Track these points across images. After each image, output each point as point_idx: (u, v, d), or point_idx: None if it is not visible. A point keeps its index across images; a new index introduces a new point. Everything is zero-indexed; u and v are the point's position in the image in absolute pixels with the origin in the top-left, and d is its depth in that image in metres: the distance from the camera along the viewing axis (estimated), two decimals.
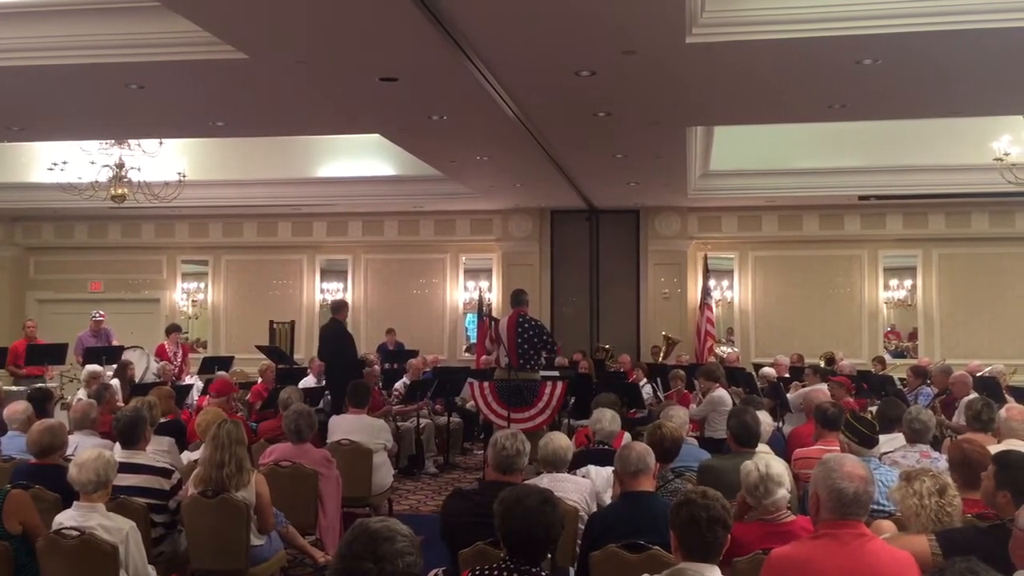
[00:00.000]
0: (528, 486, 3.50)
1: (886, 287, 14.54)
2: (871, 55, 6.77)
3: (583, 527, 4.33)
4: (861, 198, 13.42)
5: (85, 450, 4.53)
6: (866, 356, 13.53)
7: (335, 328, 10.48)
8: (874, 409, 7.14)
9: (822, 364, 11.62)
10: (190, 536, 4.90)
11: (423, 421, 10.28)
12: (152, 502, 4.94)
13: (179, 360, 12.22)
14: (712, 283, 14.66)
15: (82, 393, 8.63)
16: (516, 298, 9.38)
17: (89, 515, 4.13)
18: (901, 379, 10.87)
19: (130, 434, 5.18)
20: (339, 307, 10.70)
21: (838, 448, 5.31)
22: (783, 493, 3.71)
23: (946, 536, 3.38)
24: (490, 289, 15.34)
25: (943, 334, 14.14)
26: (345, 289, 15.72)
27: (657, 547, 3.59)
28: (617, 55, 6.66)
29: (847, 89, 7.76)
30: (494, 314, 14.04)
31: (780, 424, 8.32)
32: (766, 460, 3.85)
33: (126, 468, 4.90)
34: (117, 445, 5.27)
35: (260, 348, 12.80)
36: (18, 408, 6.21)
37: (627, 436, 6.11)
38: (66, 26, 6.95)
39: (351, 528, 2.14)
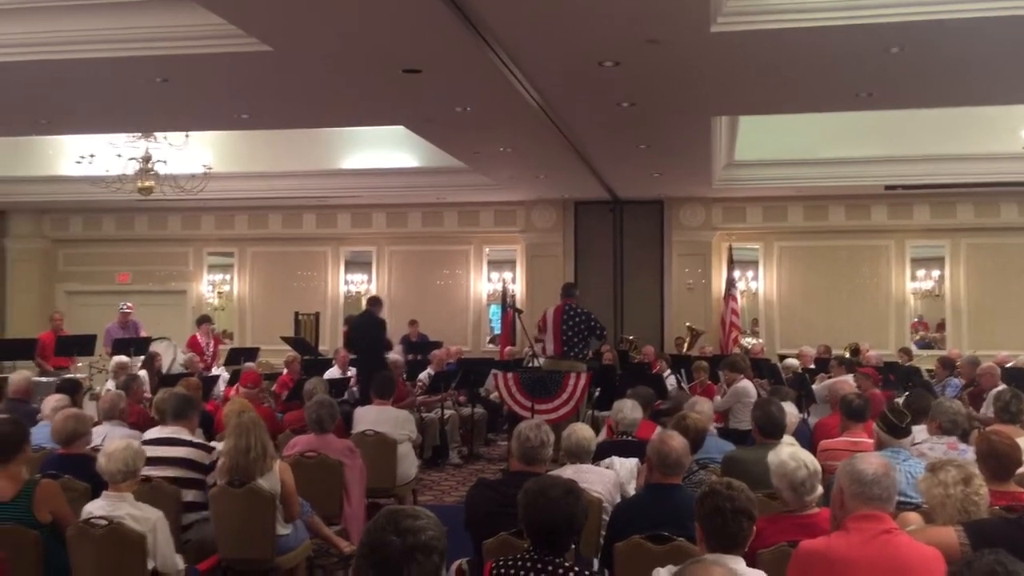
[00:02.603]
0: (552, 477, 3.51)
1: (913, 277, 14.38)
2: (899, 43, 6.69)
3: (607, 518, 4.33)
4: (888, 188, 13.27)
5: (114, 440, 4.58)
6: (893, 347, 13.40)
7: (369, 319, 10.52)
8: (901, 401, 7.08)
9: (847, 355, 11.53)
10: (217, 525, 4.95)
11: (447, 412, 10.32)
12: (192, 476, 5.13)
13: (211, 351, 12.31)
14: (737, 274, 14.57)
15: (110, 384, 8.72)
16: (565, 290, 9.70)
17: (118, 505, 4.18)
18: (928, 370, 10.78)
19: (182, 409, 5.47)
20: (376, 302, 10.79)
21: (865, 439, 5.28)
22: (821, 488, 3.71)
23: (974, 527, 3.35)
24: (514, 280, 15.34)
25: (971, 325, 13.98)
26: (369, 281, 15.79)
27: (682, 538, 3.58)
28: (641, 44, 6.63)
29: (874, 77, 7.68)
30: (518, 306, 14.09)
31: (806, 415, 8.27)
32: (799, 452, 3.81)
33: (173, 442, 5.20)
34: (155, 429, 5.49)
35: (285, 339, 12.88)
36: (54, 399, 6.30)
37: (657, 428, 6.09)
38: (92, 20, 7.01)
39: (377, 512, 2.17)
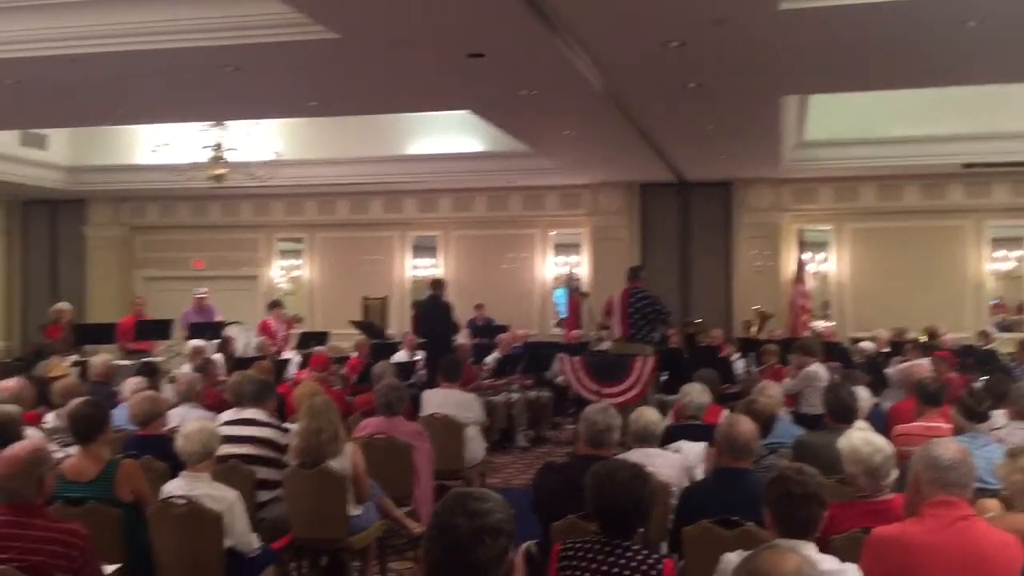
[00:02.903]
0: (619, 460, 3.50)
1: (992, 258, 13.95)
2: (977, 16, 6.47)
3: (674, 502, 4.31)
4: (965, 166, 12.86)
5: (190, 422, 4.71)
6: (970, 330, 12.99)
7: (434, 302, 10.60)
8: (979, 385, 6.90)
9: (924, 339, 11.25)
10: (290, 506, 5.05)
11: (514, 395, 10.36)
12: (269, 454, 5.30)
13: (283, 335, 12.53)
14: (807, 256, 14.31)
15: (186, 367, 8.95)
16: (632, 273, 9.77)
17: (195, 484, 4.29)
18: (1008, 353, 10.47)
19: (261, 393, 5.67)
20: (438, 284, 10.87)
21: (941, 424, 5.16)
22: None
23: None
24: (579, 264, 15.29)
25: None
26: (435, 265, 15.89)
27: (751, 523, 3.55)
28: (707, 24, 6.53)
29: (951, 52, 7.45)
30: (583, 289, 14.05)
31: (880, 400, 8.11)
32: (872, 436, 3.74)
33: (251, 422, 5.40)
34: (232, 411, 5.68)
35: (354, 323, 13.05)
36: (134, 381, 6.51)
37: (724, 412, 6.04)
38: (165, 11, 7.17)
39: (445, 494, 2.20)
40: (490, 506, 2.03)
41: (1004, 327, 13.84)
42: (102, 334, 11.79)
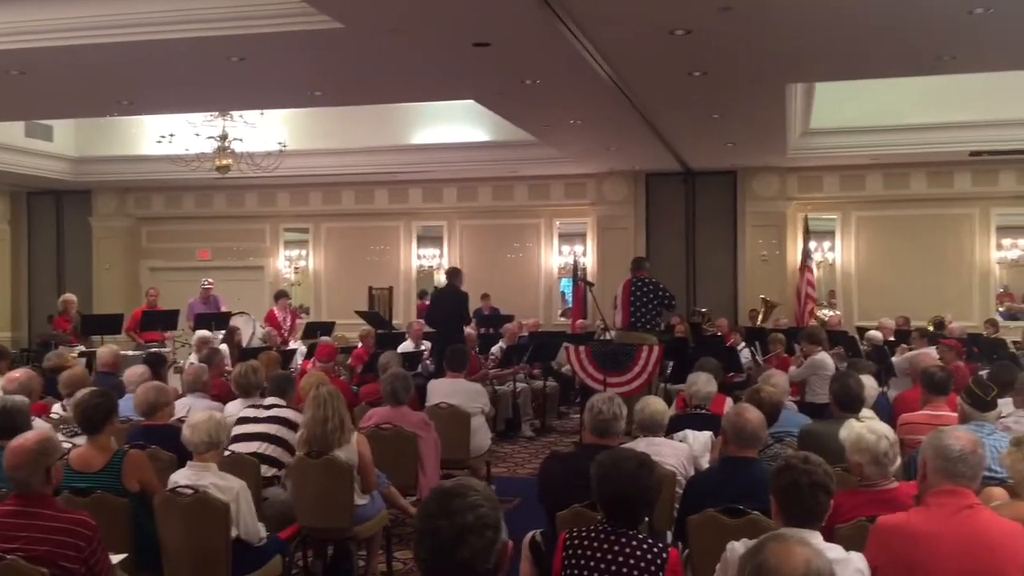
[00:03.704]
0: (625, 450, 3.51)
1: (999, 246, 13.90)
2: (983, 3, 6.43)
3: (680, 491, 4.31)
4: (972, 154, 12.81)
5: (197, 412, 4.72)
6: (977, 319, 12.99)
7: (451, 291, 10.57)
8: (985, 374, 6.88)
9: (931, 328, 11.23)
10: (297, 496, 5.07)
11: (519, 385, 10.37)
12: (290, 438, 5.38)
13: (288, 325, 12.56)
14: (812, 244, 14.28)
15: (193, 358, 8.97)
16: (635, 264, 9.86)
17: (202, 474, 4.30)
18: (1015, 342, 10.45)
19: (284, 387, 5.79)
20: (456, 273, 10.82)
21: (947, 413, 5.15)
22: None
23: None
24: (584, 253, 15.29)
25: None
26: (441, 255, 15.90)
27: (756, 512, 3.55)
28: (713, 11, 6.50)
29: (958, 40, 7.41)
30: (589, 279, 14.04)
31: (885, 388, 8.11)
32: (876, 425, 3.75)
33: (274, 420, 5.51)
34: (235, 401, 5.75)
35: (360, 313, 13.07)
36: (136, 371, 6.51)
37: (729, 401, 6.04)
38: (170, 1, 7.17)
39: (427, 494, 2.19)
40: (471, 501, 2.01)
41: (1010, 316, 13.81)
42: (109, 324, 11.82)
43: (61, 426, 5.35)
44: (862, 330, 11.44)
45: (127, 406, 5.84)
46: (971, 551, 2.91)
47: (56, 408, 6.11)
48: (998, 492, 3.66)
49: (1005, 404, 5.37)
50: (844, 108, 12.28)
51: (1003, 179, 13.55)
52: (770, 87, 9.08)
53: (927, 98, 11.93)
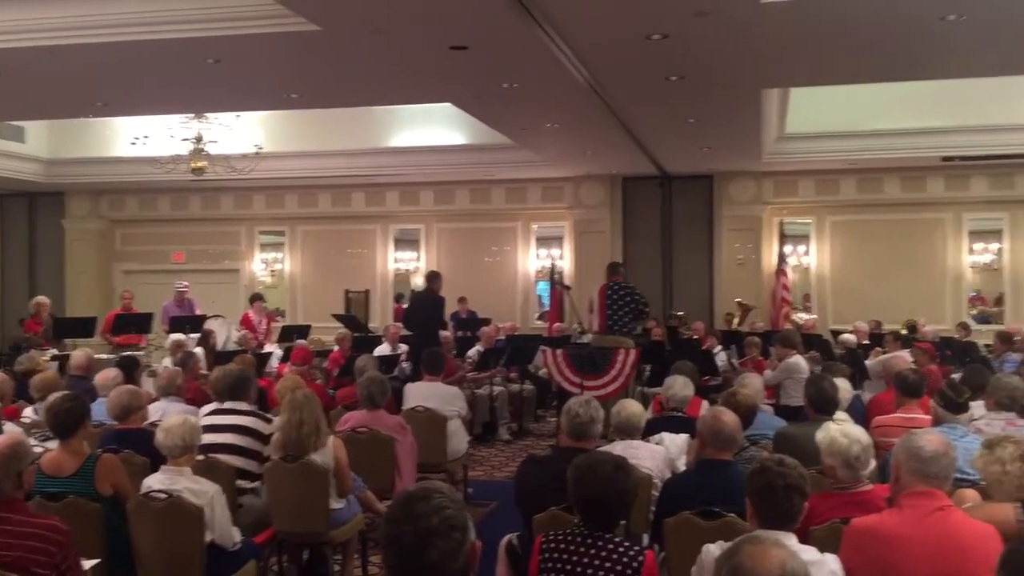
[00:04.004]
0: (601, 453, 3.51)
1: (971, 251, 14.06)
2: (956, 10, 6.52)
3: (656, 494, 4.33)
4: (945, 159, 12.97)
5: (171, 416, 4.68)
6: (949, 322, 13.13)
7: (429, 296, 10.54)
8: (958, 377, 6.96)
9: (905, 332, 11.33)
10: (272, 500, 5.04)
11: (496, 388, 10.37)
12: (254, 447, 5.28)
13: (263, 328, 12.48)
14: (788, 248, 14.39)
15: (167, 361, 8.90)
16: (611, 269, 9.87)
17: (176, 478, 4.26)
18: (987, 345, 10.56)
19: (239, 387, 5.61)
20: (435, 277, 10.78)
21: (920, 415, 5.20)
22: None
23: None
24: (562, 257, 15.31)
25: None
26: (418, 258, 15.87)
27: (732, 514, 3.57)
28: (689, 17, 6.54)
29: (930, 46, 7.50)
30: (566, 282, 14.06)
31: (859, 391, 8.17)
32: (849, 428, 3.78)
33: (233, 412, 5.39)
34: (212, 405, 5.62)
35: (336, 317, 13.01)
36: (109, 375, 6.44)
37: (705, 404, 6.07)
38: (145, 3, 7.12)
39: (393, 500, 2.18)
40: (436, 503, 2.00)
41: (982, 319, 13.97)
42: (81, 327, 11.70)
43: (33, 430, 5.29)
44: (836, 333, 11.54)
45: (100, 410, 5.78)
46: (943, 553, 2.94)
47: (28, 412, 6.04)
48: (970, 494, 3.70)
49: (977, 407, 5.43)
50: (819, 113, 12.38)
51: (975, 184, 13.72)
52: (746, 92, 9.14)
53: (901, 104, 12.06)
